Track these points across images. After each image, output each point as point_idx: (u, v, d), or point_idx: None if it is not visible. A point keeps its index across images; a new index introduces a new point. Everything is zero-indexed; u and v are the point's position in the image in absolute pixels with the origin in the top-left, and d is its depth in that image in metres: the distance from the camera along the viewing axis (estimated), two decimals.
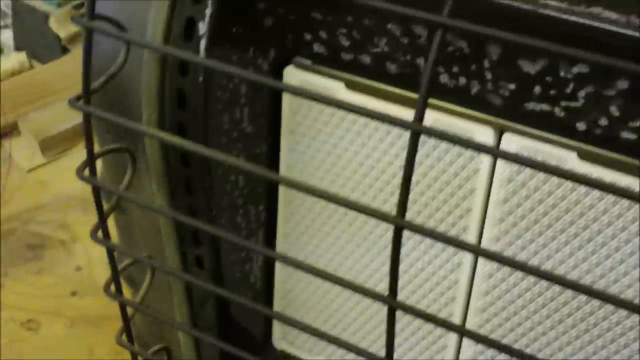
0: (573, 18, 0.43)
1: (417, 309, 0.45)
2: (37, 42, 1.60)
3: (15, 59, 1.57)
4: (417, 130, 0.38)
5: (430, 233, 0.41)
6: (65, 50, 1.57)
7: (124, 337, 0.63)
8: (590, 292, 0.37)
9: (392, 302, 0.44)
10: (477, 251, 0.35)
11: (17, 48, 1.64)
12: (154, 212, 0.55)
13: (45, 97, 1.45)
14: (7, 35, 1.65)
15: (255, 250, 0.48)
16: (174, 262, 0.63)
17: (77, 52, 1.56)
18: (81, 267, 1.17)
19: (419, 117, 0.38)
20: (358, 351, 0.50)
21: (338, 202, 0.41)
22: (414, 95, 0.54)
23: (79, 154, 1.37)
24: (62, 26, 1.52)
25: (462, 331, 0.42)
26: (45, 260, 1.19)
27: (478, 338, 0.43)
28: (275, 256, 0.47)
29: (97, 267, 1.17)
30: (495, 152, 0.34)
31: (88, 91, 0.45)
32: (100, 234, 0.54)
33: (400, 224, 0.40)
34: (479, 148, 0.36)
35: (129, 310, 0.60)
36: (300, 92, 0.40)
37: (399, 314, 0.66)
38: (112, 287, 0.59)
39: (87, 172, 0.50)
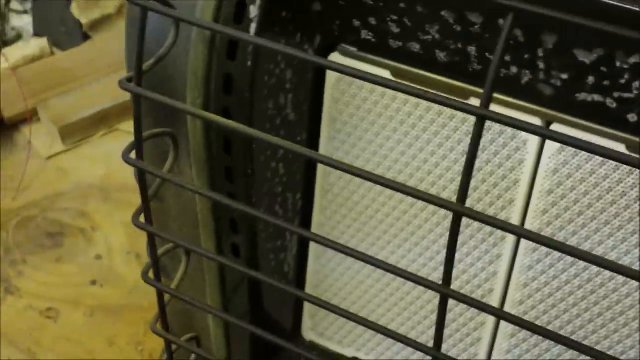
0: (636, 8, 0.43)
1: (471, 299, 0.44)
2: (56, 28, 1.59)
3: (36, 44, 1.56)
4: (483, 115, 0.37)
5: (490, 221, 0.40)
6: (86, 37, 1.56)
7: (158, 324, 0.62)
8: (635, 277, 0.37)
9: (446, 291, 0.44)
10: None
11: (36, 34, 1.63)
12: (200, 195, 0.54)
13: (66, 84, 1.44)
14: (27, 21, 1.64)
15: (295, 232, 0.47)
16: (210, 250, 0.63)
17: (98, 39, 1.55)
18: (101, 255, 1.17)
19: (486, 102, 0.37)
20: (401, 338, 0.49)
21: (399, 189, 0.41)
22: (462, 85, 0.54)
23: (99, 142, 1.37)
24: (84, 12, 1.51)
25: (520, 323, 0.42)
26: (65, 249, 1.18)
27: (530, 327, 0.42)
28: (317, 239, 0.46)
29: (117, 256, 1.16)
30: (574, 142, 0.33)
31: (140, 72, 0.45)
32: (142, 218, 0.54)
33: (461, 211, 0.40)
34: (550, 135, 0.35)
35: (166, 297, 0.60)
36: (350, 72, 0.40)
37: (435, 304, 0.66)
38: (151, 273, 0.58)
39: (133, 155, 0.49)
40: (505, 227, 0.40)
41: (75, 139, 1.38)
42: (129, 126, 1.33)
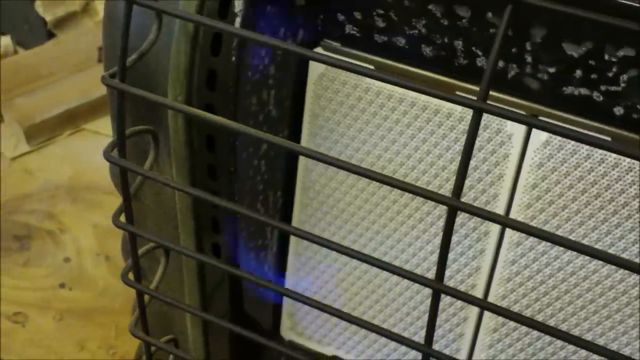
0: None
1: (464, 293, 0.44)
2: (20, 26, 1.56)
3: None
4: (480, 108, 0.37)
5: (486, 215, 0.40)
6: (50, 35, 1.53)
7: (137, 326, 0.61)
8: (624, 265, 0.37)
9: (439, 287, 0.44)
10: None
11: None
12: (185, 193, 0.53)
13: (30, 83, 1.41)
14: None
15: (279, 228, 0.47)
16: (190, 250, 0.62)
17: (63, 37, 1.52)
18: (70, 258, 1.15)
19: (484, 95, 0.37)
20: (390, 335, 0.49)
21: (391, 183, 0.40)
22: (447, 79, 0.53)
23: (65, 142, 1.34)
24: (48, 10, 1.48)
25: (520, 319, 0.41)
26: (32, 252, 1.16)
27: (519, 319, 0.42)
28: (299, 233, 0.45)
29: (86, 258, 1.14)
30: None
31: (124, 68, 0.43)
32: (122, 218, 0.53)
33: (456, 205, 0.40)
34: (556, 131, 0.35)
35: (145, 298, 0.59)
36: (334, 62, 0.39)
37: (417, 301, 0.65)
38: (130, 275, 0.57)
39: (115, 153, 0.48)
40: (503, 221, 0.40)
41: (40, 139, 1.35)
42: (95, 125, 1.32)
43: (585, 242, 0.56)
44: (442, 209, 0.60)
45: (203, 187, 0.57)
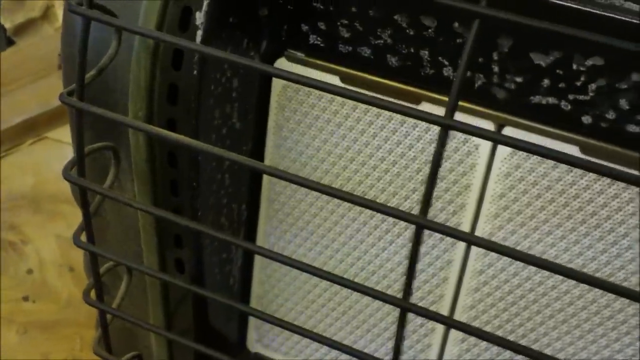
0: (594, 9, 0.42)
1: (431, 311, 0.43)
2: None
3: None
4: (447, 125, 0.36)
5: (452, 232, 0.39)
6: (10, 42, 1.51)
7: (100, 345, 0.60)
8: (589, 281, 0.36)
9: (406, 305, 0.43)
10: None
11: None
12: (147, 212, 0.52)
13: None
14: None
15: (243, 247, 0.46)
16: (153, 266, 0.61)
17: (23, 44, 1.50)
18: (33, 270, 1.12)
19: (451, 111, 0.36)
20: (352, 352, 0.48)
21: (356, 201, 0.39)
22: (413, 89, 0.53)
23: (27, 151, 1.31)
24: (8, 16, 1.45)
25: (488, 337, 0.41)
26: None
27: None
28: (262, 252, 0.44)
29: (49, 270, 1.12)
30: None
31: (83, 85, 0.42)
32: (83, 237, 0.51)
33: (422, 223, 0.39)
34: (528, 148, 0.34)
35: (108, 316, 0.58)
36: (295, 78, 0.38)
37: (384, 312, 0.65)
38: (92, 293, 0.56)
39: (74, 171, 0.47)
40: (469, 239, 0.39)
41: (2, 148, 1.32)
42: (58, 134, 1.29)
43: (552, 251, 0.55)
44: None
45: (165, 203, 0.56)
